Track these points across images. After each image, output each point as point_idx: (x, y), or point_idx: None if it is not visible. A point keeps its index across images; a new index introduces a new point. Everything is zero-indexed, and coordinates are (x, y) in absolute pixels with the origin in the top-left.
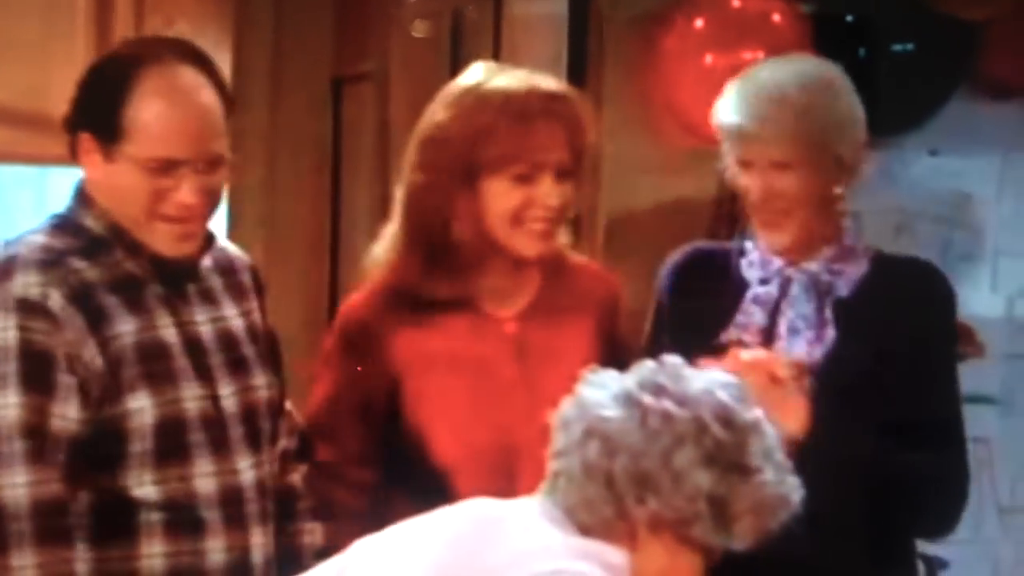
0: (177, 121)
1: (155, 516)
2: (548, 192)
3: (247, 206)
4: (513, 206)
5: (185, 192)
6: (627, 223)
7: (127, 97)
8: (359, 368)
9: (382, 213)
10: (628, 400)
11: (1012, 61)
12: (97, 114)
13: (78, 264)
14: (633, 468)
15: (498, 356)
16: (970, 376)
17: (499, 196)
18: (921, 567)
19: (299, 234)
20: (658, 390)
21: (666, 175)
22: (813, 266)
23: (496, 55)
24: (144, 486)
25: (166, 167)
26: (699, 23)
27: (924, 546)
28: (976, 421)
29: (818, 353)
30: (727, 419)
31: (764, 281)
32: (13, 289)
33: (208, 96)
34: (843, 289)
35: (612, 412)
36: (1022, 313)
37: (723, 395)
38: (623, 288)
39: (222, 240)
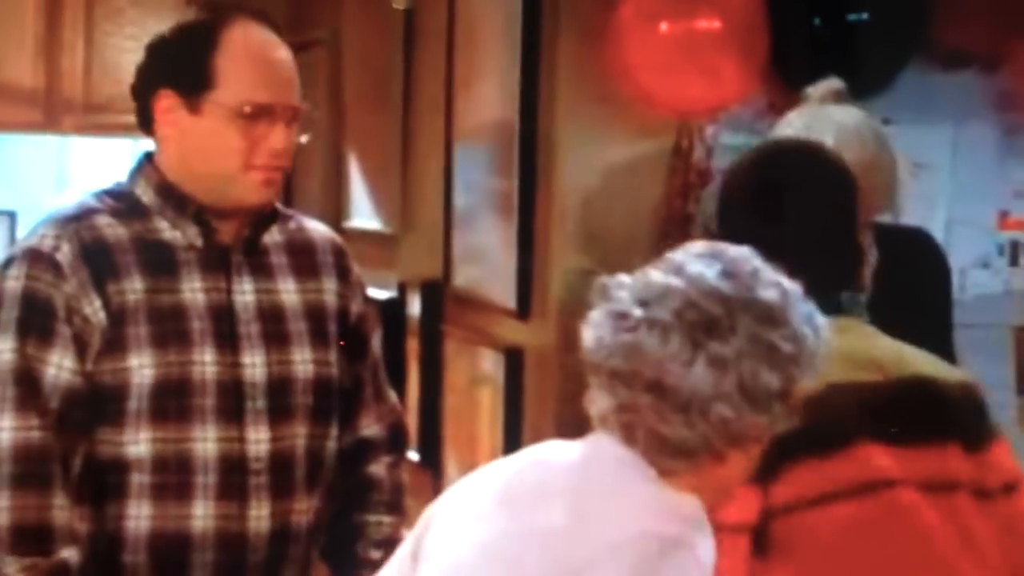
0: (268, 66)
1: (146, 477)
2: None
3: None
4: None
5: (277, 138)
6: (583, 191)
7: (215, 47)
8: None
9: (335, 179)
10: (694, 353)
11: (965, 30)
12: (182, 67)
13: (102, 221)
14: (709, 408)
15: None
16: None
17: None
18: None
19: None
20: (711, 325)
21: (622, 143)
22: None
23: (451, 23)
24: (138, 444)
25: (258, 113)
26: None
27: None
28: None
29: None
30: (775, 319)
31: None
32: (31, 240)
33: (287, 51)
34: None
35: (680, 368)
36: (975, 283)
37: (765, 295)
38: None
39: (308, 221)
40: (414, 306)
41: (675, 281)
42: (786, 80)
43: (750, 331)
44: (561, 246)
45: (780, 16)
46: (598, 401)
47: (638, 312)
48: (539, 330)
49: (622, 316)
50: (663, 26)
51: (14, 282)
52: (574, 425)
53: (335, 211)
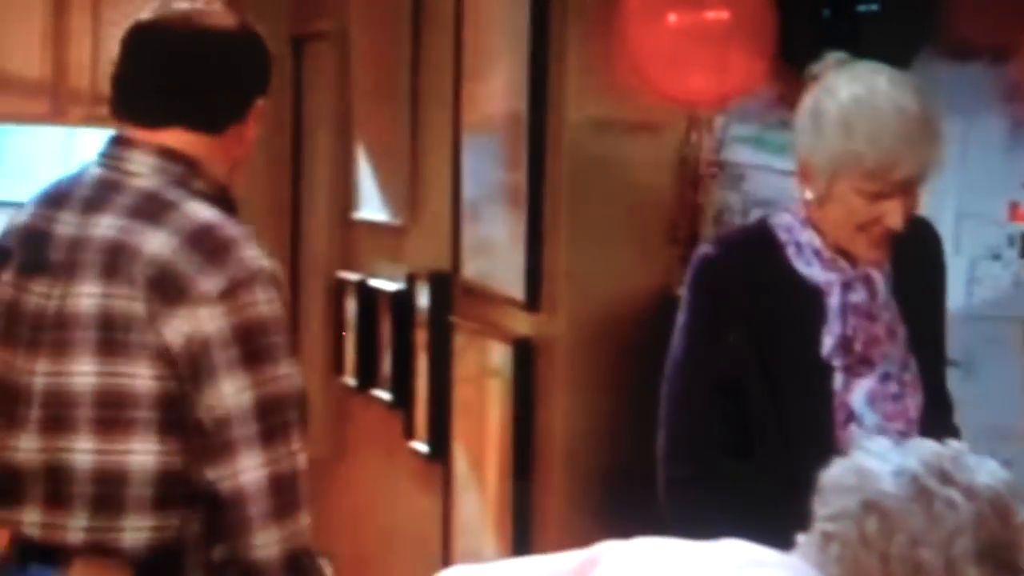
0: None
1: None
2: None
3: None
4: None
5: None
6: (592, 183)
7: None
8: None
9: (344, 171)
10: (912, 482)
11: (976, 22)
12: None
13: None
14: (910, 551)
15: None
16: None
17: None
18: None
19: (260, 195)
20: (944, 476)
21: (630, 134)
22: (885, 263)
23: (458, 13)
24: None
25: None
26: None
27: None
28: None
29: (905, 352)
30: (1006, 516)
31: (848, 285)
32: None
33: None
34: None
35: (895, 491)
36: (984, 275)
37: (1004, 491)
38: None
39: None
40: (423, 298)
41: (937, 446)
42: (795, 71)
43: (979, 514)
44: (570, 238)
45: (789, 6)
46: (815, 521)
47: (883, 449)
48: (548, 322)
49: (865, 450)
50: (671, 17)
51: (276, 305)
52: (583, 418)
53: (343, 202)
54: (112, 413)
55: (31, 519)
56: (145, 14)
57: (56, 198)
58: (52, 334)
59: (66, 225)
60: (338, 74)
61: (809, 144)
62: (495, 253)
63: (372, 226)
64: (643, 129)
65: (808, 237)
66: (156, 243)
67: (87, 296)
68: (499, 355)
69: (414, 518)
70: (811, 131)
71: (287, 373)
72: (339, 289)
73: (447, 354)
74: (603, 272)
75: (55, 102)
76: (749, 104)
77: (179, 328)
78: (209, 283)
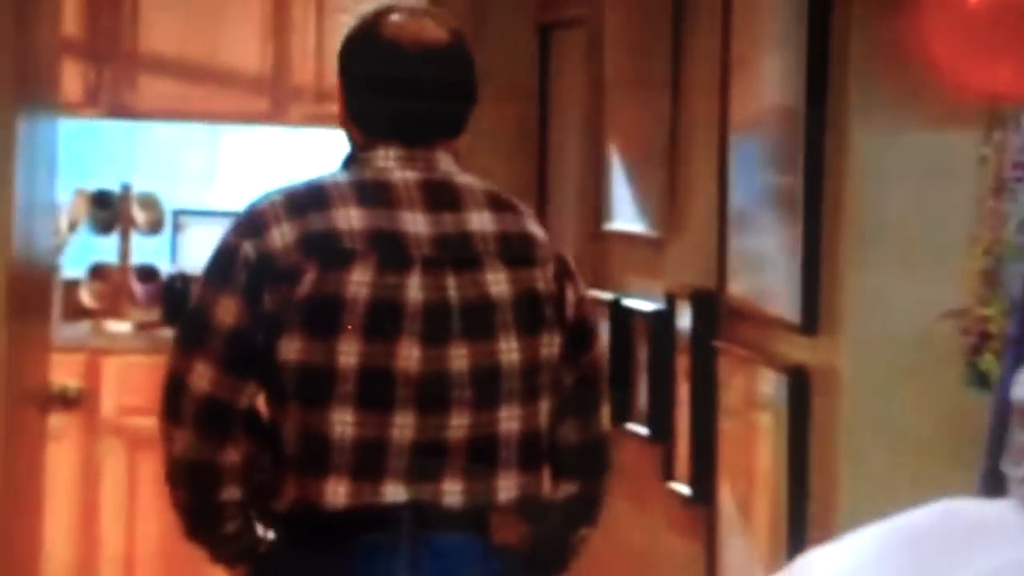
0: None
1: None
2: None
3: None
4: None
5: None
6: (878, 188)
7: None
8: None
9: (594, 175)
10: None
11: None
12: None
13: None
14: None
15: None
16: None
17: None
18: None
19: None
20: None
21: (923, 132)
22: None
23: None
24: None
25: None
26: None
27: None
28: None
29: None
30: None
31: None
32: None
33: None
34: None
35: None
36: None
37: None
38: None
39: None
40: (684, 319)
41: None
42: None
43: None
44: (853, 250)
45: None
46: None
47: None
48: (828, 347)
49: None
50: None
51: None
52: (867, 456)
53: (594, 211)
54: (532, 382)
55: (452, 488)
56: (398, 26)
57: (377, 200)
58: (465, 321)
59: (418, 224)
60: (589, 66)
61: None
62: (767, 268)
63: (626, 238)
64: (938, 126)
65: None
66: (534, 230)
67: (495, 283)
68: (771, 385)
69: (673, 568)
70: None
71: None
72: None
73: (712, 383)
74: (891, 289)
75: (275, 100)
76: None
77: (570, 300)
78: (571, 261)
